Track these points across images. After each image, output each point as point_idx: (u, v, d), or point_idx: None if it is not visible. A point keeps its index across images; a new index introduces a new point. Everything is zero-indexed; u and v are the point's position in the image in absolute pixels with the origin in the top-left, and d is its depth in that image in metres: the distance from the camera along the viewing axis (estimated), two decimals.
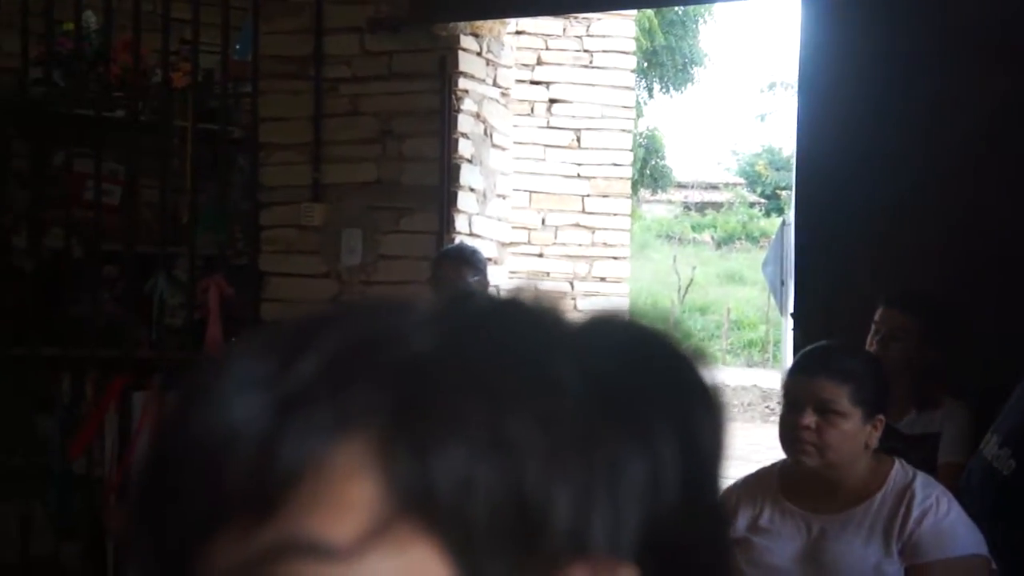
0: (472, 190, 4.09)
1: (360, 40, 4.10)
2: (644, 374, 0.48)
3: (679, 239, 23.22)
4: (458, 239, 3.96)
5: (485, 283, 3.54)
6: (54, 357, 4.18)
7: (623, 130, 5.69)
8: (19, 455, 4.21)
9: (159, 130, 4.27)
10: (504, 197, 4.35)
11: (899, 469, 2.28)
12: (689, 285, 17.85)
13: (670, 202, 25.77)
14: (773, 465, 2.40)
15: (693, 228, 24.55)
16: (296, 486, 0.43)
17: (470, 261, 3.52)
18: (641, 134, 18.66)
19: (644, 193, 22.11)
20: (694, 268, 18.30)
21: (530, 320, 0.48)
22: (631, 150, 5.88)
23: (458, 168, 3.99)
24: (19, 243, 4.33)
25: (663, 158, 21.44)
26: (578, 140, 5.55)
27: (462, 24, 4.00)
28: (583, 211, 5.57)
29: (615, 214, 5.64)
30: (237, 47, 4.40)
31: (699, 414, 0.50)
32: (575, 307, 5.06)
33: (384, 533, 0.42)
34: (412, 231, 4.03)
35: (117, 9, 4.28)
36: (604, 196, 5.58)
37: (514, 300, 0.49)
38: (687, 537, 0.48)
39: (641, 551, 0.46)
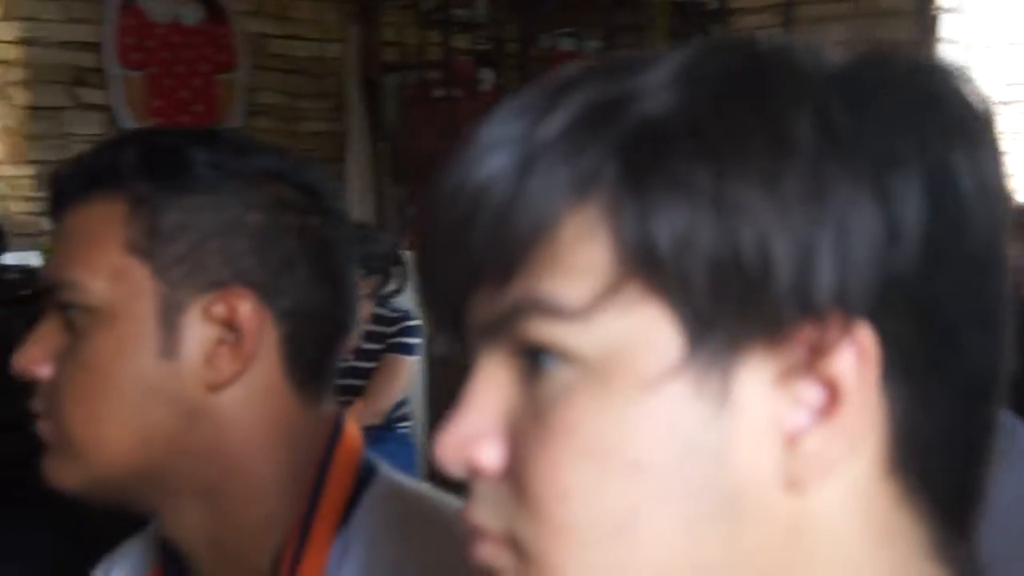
0: (954, 42, 3.81)
1: None
2: (898, 114, 0.45)
3: None
4: None
5: None
6: None
7: None
8: None
9: (636, 6, 4.41)
10: (991, 47, 4.01)
11: None
12: None
13: None
14: None
15: None
16: (533, 248, 0.45)
17: None
18: None
19: None
20: None
21: (778, 72, 0.45)
22: None
23: (934, 19, 3.74)
24: None
25: None
26: None
27: None
28: None
29: None
30: None
31: (959, 154, 0.45)
32: None
33: (614, 294, 0.44)
34: None
35: None
36: None
37: (772, 51, 0.46)
38: (939, 291, 0.44)
39: (880, 307, 0.43)
